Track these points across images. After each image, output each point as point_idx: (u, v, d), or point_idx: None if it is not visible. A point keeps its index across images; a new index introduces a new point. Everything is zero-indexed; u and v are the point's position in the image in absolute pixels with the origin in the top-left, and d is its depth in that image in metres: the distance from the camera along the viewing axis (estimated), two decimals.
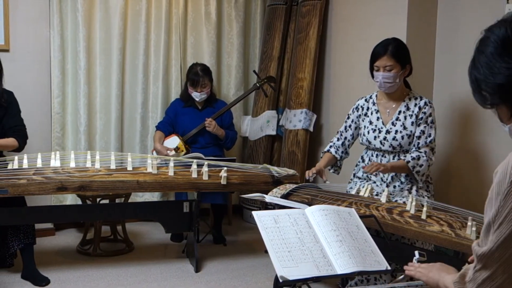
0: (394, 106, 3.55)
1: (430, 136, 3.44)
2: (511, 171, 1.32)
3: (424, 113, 3.45)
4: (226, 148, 5.18)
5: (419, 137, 3.45)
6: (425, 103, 3.47)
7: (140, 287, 3.86)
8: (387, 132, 3.52)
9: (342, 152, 3.79)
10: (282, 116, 5.48)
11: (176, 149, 4.82)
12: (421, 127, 3.45)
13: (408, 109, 3.50)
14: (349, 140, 3.78)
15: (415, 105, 3.49)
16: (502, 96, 1.41)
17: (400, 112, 3.52)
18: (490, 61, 1.42)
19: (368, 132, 3.61)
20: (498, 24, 1.45)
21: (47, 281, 3.86)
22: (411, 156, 3.40)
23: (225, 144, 5.08)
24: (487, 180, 3.78)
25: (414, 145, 3.47)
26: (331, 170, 3.86)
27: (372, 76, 3.52)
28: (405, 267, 1.96)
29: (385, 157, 3.57)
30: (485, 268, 1.37)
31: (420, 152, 3.41)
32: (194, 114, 4.99)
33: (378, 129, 3.56)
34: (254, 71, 5.48)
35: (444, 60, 4.20)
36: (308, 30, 5.17)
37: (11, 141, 3.90)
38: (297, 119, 5.18)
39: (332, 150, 3.79)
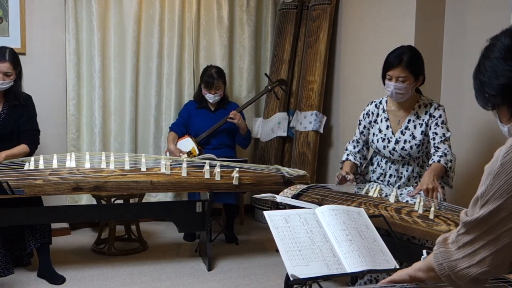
0: (404, 114, 3.51)
1: (444, 135, 3.37)
2: (503, 155, 1.42)
3: (434, 116, 3.42)
4: (244, 146, 5.23)
5: (433, 138, 3.39)
6: (435, 108, 3.44)
7: (153, 286, 3.90)
8: (396, 142, 3.49)
9: (360, 158, 3.70)
10: (293, 118, 5.53)
11: (189, 153, 4.87)
12: (433, 129, 3.41)
13: (418, 117, 3.47)
14: (364, 145, 3.72)
15: (426, 112, 3.44)
16: (504, 97, 1.50)
17: (409, 121, 3.48)
18: (495, 64, 1.51)
19: (378, 141, 3.59)
20: (504, 33, 1.54)
21: (62, 280, 3.90)
22: (439, 155, 3.31)
23: (246, 140, 5.14)
24: None
25: (432, 147, 3.41)
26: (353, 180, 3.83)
27: (384, 83, 3.47)
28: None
29: (394, 164, 3.58)
30: (467, 233, 1.50)
31: (443, 149, 3.34)
32: (207, 116, 5.04)
33: (388, 138, 3.54)
34: (266, 74, 5.53)
35: (451, 64, 4.21)
36: (318, 34, 5.22)
37: (22, 148, 3.96)
38: (308, 121, 5.23)
39: (351, 157, 3.68)
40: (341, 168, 3.71)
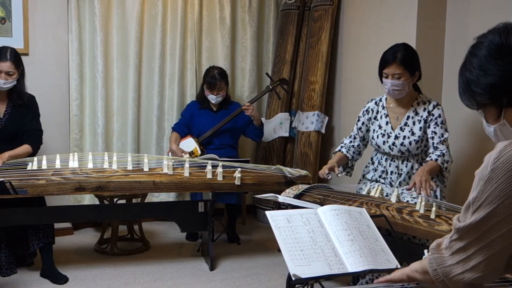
0: (403, 111, 3.56)
1: (443, 135, 3.43)
2: (493, 160, 1.42)
3: (433, 114, 3.47)
4: (258, 138, 5.24)
5: (432, 138, 3.44)
6: (434, 106, 3.48)
7: (156, 285, 3.91)
8: (396, 137, 3.54)
9: (354, 152, 3.79)
10: (295, 118, 5.54)
11: (191, 153, 4.88)
12: (432, 128, 3.45)
13: (416, 114, 3.52)
14: (360, 141, 3.79)
15: (424, 109, 3.49)
16: (492, 96, 1.50)
17: (408, 117, 3.53)
18: (483, 63, 1.51)
19: (378, 137, 3.63)
20: (491, 31, 1.54)
21: (65, 279, 3.91)
22: (437, 154, 3.36)
23: (260, 132, 5.15)
24: None
25: (431, 146, 3.45)
26: (343, 173, 3.88)
27: (381, 81, 3.53)
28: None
29: (394, 161, 3.60)
30: (460, 240, 1.49)
31: (442, 149, 3.38)
32: (209, 116, 5.05)
33: (387, 134, 3.59)
34: (267, 74, 5.54)
35: (453, 64, 4.21)
36: (320, 34, 5.23)
37: (25, 148, 3.94)
38: (309, 121, 5.24)
39: (343, 149, 3.79)
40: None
